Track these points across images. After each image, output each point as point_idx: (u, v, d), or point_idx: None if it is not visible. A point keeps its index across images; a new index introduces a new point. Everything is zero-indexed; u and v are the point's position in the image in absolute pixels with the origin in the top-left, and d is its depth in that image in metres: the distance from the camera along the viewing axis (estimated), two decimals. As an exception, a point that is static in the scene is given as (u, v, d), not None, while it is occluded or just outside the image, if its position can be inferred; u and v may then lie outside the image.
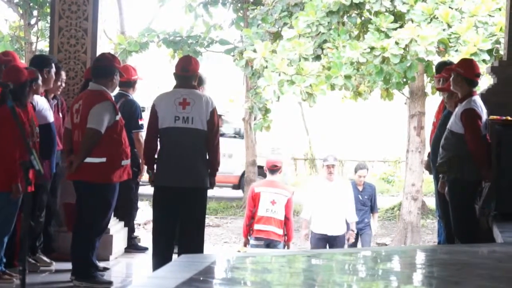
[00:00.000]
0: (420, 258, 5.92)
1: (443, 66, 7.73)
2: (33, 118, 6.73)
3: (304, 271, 5.04)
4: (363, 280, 4.71)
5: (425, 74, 13.45)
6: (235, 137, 19.45)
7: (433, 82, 12.64)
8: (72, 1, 8.04)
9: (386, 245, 14.66)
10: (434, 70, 9.71)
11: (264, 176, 10.23)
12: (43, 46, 17.62)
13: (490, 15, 11.90)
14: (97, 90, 6.87)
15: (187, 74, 6.94)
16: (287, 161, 20.22)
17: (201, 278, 4.39)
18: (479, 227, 7.00)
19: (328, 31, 12.49)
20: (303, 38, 12.46)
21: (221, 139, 7.11)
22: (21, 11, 16.94)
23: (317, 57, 12.56)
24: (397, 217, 16.59)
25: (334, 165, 10.50)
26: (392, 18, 12.08)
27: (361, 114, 27.10)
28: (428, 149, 8.79)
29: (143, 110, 9.57)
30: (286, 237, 9.72)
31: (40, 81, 6.87)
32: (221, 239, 14.95)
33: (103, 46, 8.37)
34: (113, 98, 7.10)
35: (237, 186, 19.32)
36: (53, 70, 7.29)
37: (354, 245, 10.78)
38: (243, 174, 18.60)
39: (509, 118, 7.24)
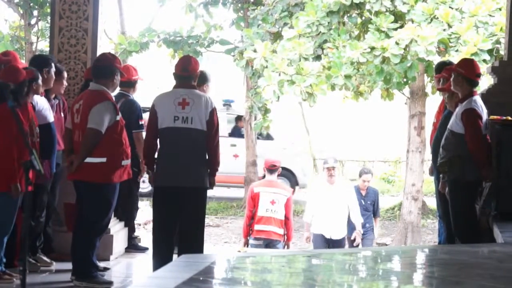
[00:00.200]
0: (421, 258, 5.92)
1: (443, 66, 7.73)
2: (33, 118, 6.73)
3: (304, 271, 5.04)
4: (363, 280, 4.71)
5: (425, 74, 13.44)
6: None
7: (433, 82, 12.62)
8: (73, 1, 8.04)
9: (387, 245, 14.65)
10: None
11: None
12: (43, 46, 17.57)
13: (490, 15, 11.89)
14: (98, 90, 6.87)
15: (187, 74, 6.93)
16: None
17: (201, 278, 4.39)
18: (480, 227, 7.00)
19: (329, 31, 12.48)
20: (303, 38, 12.44)
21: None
22: (21, 11, 16.90)
23: (317, 57, 12.55)
24: (397, 217, 16.58)
25: (335, 167, 10.47)
26: (392, 18, 12.07)
27: (362, 114, 27.08)
28: (428, 149, 8.78)
29: (144, 111, 9.57)
30: (286, 237, 9.72)
31: (40, 81, 6.87)
32: (221, 239, 14.94)
33: (104, 46, 8.36)
34: (114, 98, 7.10)
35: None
36: (53, 70, 7.29)
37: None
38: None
39: (509, 118, 7.23)
